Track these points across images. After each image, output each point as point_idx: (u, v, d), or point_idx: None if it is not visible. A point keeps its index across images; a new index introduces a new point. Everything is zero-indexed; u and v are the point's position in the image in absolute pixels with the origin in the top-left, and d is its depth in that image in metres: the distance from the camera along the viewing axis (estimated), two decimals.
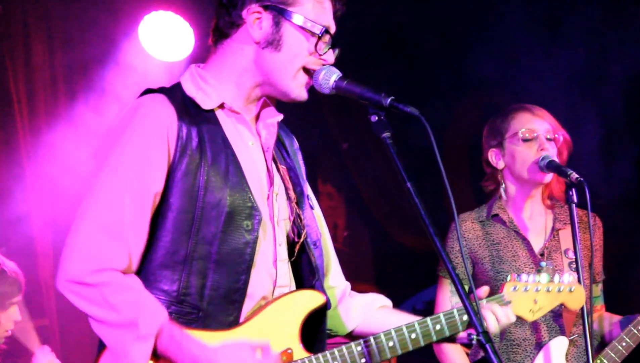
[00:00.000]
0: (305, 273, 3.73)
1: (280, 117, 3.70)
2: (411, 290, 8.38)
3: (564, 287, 3.93)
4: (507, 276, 4.89)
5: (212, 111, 3.56)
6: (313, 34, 3.55)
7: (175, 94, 3.54)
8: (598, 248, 5.11)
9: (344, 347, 3.56)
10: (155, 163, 3.41)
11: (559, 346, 4.93)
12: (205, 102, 3.55)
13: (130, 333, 3.29)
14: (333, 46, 3.61)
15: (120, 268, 3.36)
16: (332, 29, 3.61)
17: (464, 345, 5.06)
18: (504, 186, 5.15)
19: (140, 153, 3.40)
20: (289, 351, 3.51)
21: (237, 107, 3.60)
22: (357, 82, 3.48)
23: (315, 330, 3.64)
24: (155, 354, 3.33)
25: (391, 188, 8.30)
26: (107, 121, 6.71)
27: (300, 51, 3.55)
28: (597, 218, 5.10)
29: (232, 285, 3.47)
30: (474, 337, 3.18)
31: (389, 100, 3.35)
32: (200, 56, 6.27)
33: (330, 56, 3.60)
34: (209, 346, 3.36)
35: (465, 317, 3.68)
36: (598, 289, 5.20)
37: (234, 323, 3.47)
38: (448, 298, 5.09)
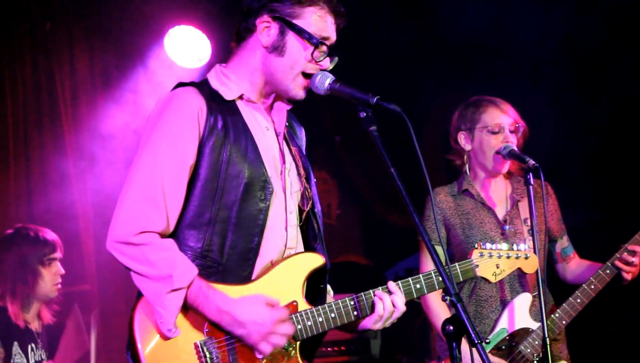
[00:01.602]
0: (310, 238, 3.79)
1: (289, 106, 3.74)
2: (394, 259, 8.38)
3: (520, 254, 3.98)
4: (475, 239, 4.96)
5: (233, 101, 3.62)
6: (311, 43, 3.56)
7: (203, 87, 3.60)
8: (554, 211, 5.13)
9: (339, 301, 3.61)
10: (190, 141, 3.47)
11: (523, 302, 4.94)
12: (228, 94, 3.61)
13: (166, 285, 3.34)
14: (331, 54, 3.63)
15: (159, 230, 3.42)
16: (331, 40, 3.63)
17: None
18: (468, 165, 5.17)
19: (177, 133, 3.46)
20: (295, 303, 3.56)
21: (253, 98, 3.64)
22: (348, 85, 3.51)
23: (316, 287, 3.70)
24: (184, 305, 3.37)
25: (377, 173, 8.29)
26: (138, 115, 6.70)
27: (299, 57, 3.58)
28: (549, 187, 5.12)
29: (247, 244, 3.52)
30: (447, 297, 3.19)
31: (375, 99, 3.37)
32: (216, 63, 6.29)
33: (327, 63, 3.62)
34: (229, 298, 3.41)
35: (417, 285, 3.72)
36: (565, 241, 5.24)
37: (248, 278, 3.52)
38: (429, 259, 5.08)
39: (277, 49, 3.59)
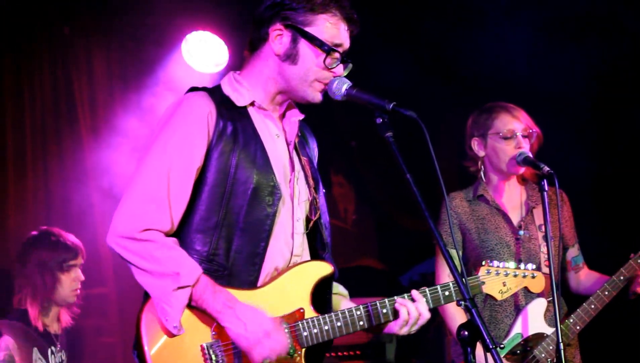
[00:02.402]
0: (318, 247, 3.77)
1: (301, 116, 3.74)
2: (409, 264, 8.38)
3: (527, 273, 3.98)
4: (491, 244, 4.97)
5: (244, 107, 3.60)
6: (323, 50, 3.55)
7: (215, 92, 3.61)
8: (568, 218, 5.13)
9: (346, 310, 3.60)
10: (198, 144, 3.46)
11: (538, 307, 4.94)
12: (239, 100, 3.61)
13: (172, 282, 3.33)
14: (345, 61, 3.60)
15: (163, 229, 3.41)
16: (344, 47, 3.61)
17: None
18: (483, 170, 5.18)
19: (185, 135, 3.46)
20: (301, 310, 3.55)
21: (265, 106, 3.63)
22: (365, 90, 3.51)
23: (324, 295, 3.68)
24: (190, 304, 3.37)
25: (392, 178, 8.28)
26: (155, 120, 6.70)
27: (312, 65, 3.57)
28: (564, 194, 5.12)
29: (254, 249, 3.51)
30: (462, 302, 3.19)
31: (392, 105, 3.37)
32: (233, 68, 6.28)
33: (340, 70, 3.61)
34: (235, 299, 3.40)
35: (447, 292, 3.71)
36: (576, 250, 5.25)
37: (254, 283, 3.51)
38: (444, 264, 5.08)
39: (290, 57, 3.58)
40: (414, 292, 3.66)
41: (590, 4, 6.79)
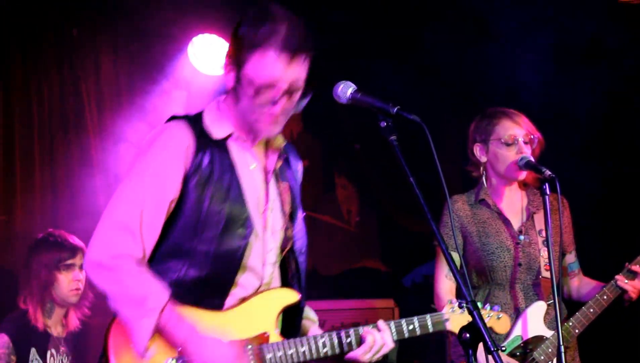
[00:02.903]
0: (289, 275, 3.81)
1: (284, 143, 3.79)
2: (411, 265, 8.39)
3: (492, 314, 4.04)
4: (491, 247, 5.00)
5: (223, 139, 3.63)
6: (253, 90, 3.51)
7: (196, 122, 3.62)
8: (568, 224, 5.13)
9: (312, 337, 3.65)
10: (173, 176, 3.52)
11: (537, 310, 4.96)
12: (218, 133, 3.63)
13: (139, 308, 3.40)
14: (288, 94, 3.52)
15: (134, 256, 3.47)
16: (283, 81, 3.50)
17: None
18: (485, 175, 5.19)
19: (162, 167, 3.51)
20: (266, 335, 3.61)
21: (242, 136, 3.66)
22: (369, 94, 3.51)
23: (292, 322, 3.75)
24: (157, 328, 3.43)
25: (395, 180, 8.29)
26: (161, 122, 6.70)
27: (249, 102, 3.54)
28: (564, 200, 5.13)
29: (223, 278, 3.57)
30: (464, 304, 3.20)
31: (396, 109, 3.38)
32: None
33: (284, 102, 3.53)
34: (198, 327, 3.46)
35: (410, 326, 3.79)
36: (572, 256, 5.27)
37: (219, 307, 3.57)
38: (445, 264, 5.11)
39: (235, 94, 3.57)
40: (380, 322, 3.74)
41: (600, 28, 6.81)
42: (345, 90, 3.56)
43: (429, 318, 3.84)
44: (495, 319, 4.03)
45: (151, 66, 7.13)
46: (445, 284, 5.08)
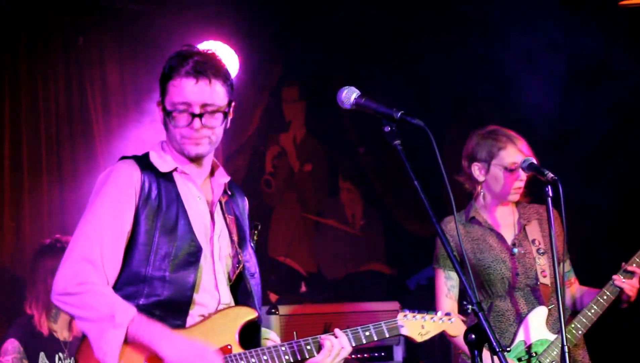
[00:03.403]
0: (243, 296, 3.93)
1: (226, 179, 3.96)
2: (416, 268, 8.39)
3: (445, 318, 4.12)
4: (487, 262, 5.02)
5: (169, 173, 3.82)
6: (167, 115, 3.77)
7: (143, 160, 3.84)
8: (560, 233, 5.13)
9: (272, 346, 3.80)
10: (126, 210, 3.72)
11: (539, 314, 4.98)
12: (163, 167, 3.83)
13: (108, 324, 3.54)
14: (197, 115, 3.72)
15: (98, 284, 3.63)
16: (191, 103, 3.73)
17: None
18: (482, 193, 5.21)
19: (115, 202, 3.72)
20: (229, 347, 3.73)
21: (187, 170, 3.85)
22: (373, 99, 3.53)
23: (251, 338, 3.86)
24: (126, 340, 3.55)
25: (400, 183, 8.31)
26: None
27: (172, 129, 3.79)
28: (555, 211, 5.11)
29: (180, 299, 3.71)
30: (469, 306, 3.23)
31: (400, 114, 3.40)
32: (243, 78, 6.30)
33: (197, 124, 3.73)
34: (168, 330, 3.61)
35: (367, 332, 3.92)
36: (567, 265, 5.25)
37: (181, 326, 3.70)
38: (444, 284, 5.17)
39: (164, 125, 3.83)
40: (337, 330, 3.87)
41: (608, 49, 6.83)
42: (349, 95, 3.58)
43: (384, 325, 3.96)
44: (447, 323, 4.12)
45: (157, 73, 7.11)
46: (447, 304, 5.11)
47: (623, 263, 5.01)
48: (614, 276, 4.98)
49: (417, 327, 4.02)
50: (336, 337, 3.85)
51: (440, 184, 3.34)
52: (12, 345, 5.36)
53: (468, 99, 5.13)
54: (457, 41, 7.51)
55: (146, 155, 3.87)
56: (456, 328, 4.13)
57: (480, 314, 3.19)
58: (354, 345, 3.87)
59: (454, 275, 4.98)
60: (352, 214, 8.97)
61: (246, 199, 4.14)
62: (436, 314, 4.08)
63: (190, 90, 3.73)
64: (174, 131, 3.75)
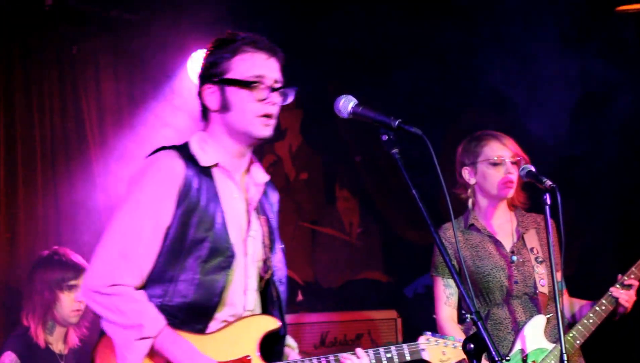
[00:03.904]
0: (269, 303, 3.87)
1: (267, 178, 3.88)
2: (413, 276, 8.39)
3: (448, 343, 4.07)
4: (486, 269, 5.01)
5: (208, 167, 3.71)
6: (246, 87, 3.65)
7: (184, 151, 3.71)
8: (556, 243, 5.13)
9: (292, 361, 3.79)
10: (168, 204, 3.61)
11: (537, 323, 4.97)
12: (204, 161, 3.71)
13: (135, 333, 3.48)
14: (277, 89, 3.71)
15: (131, 284, 3.56)
16: (269, 77, 3.71)
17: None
18: (473, 199, 5.25)
19: (157, 195, 3.60)
20: (248, 358, 3.67)
21: (227, 165, 3.75)
22: (370, 108, 3.52)
23: (273, 350, 3.80)
24: (151, 352, 3.51)
25: (396, 192, 8.31)
26: (161, 136, 6.72)
27: (244, 104, 3.67)
28: (552, 221, 5.11)
29: (206, 303, 3.64)
30: (468, 315, 3.21)
31: (397, 122, 3.39)
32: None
33: (275, 98, 3.71)
34: (195, 350, 3.54)
35: (388, 355, 3.87)
36: (559, 275, 5.20)
37: (202, 331, 3.64)
38: (442, 291, 5.17)
39: (224, 106, 3.69)
40: (358, 350, 3.81)
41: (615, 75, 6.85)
42: (347, 104, 3.56)
43: (405, 348, 3.93)
44: (451, 348, 4.07)
45: (151, 83, 7.14)
46: (446, 312, 5.11)
47: (619, 275, 5.03)
48: (612, 289, 5.00)
49: (439, 352, 3.99)
50: (358, 357, 3.79)
51: (438, 192, 3.33)
52: (9, 358, 5.33)
53: (470, 130, 5.18)
54: (457, 67, 7.51)
55: (186, 146, 3.75)
56: (457, 353, 4.08)
57: (479, 323, 3.17)
58: None
59: (452, 282, 4.99)
60: (349, 223, 8.96)
61: (277, 193, 4.06)
62: (459, 341, 4.02)
63: (264, 63, 3.69)
64: (242, 110, 3.65)
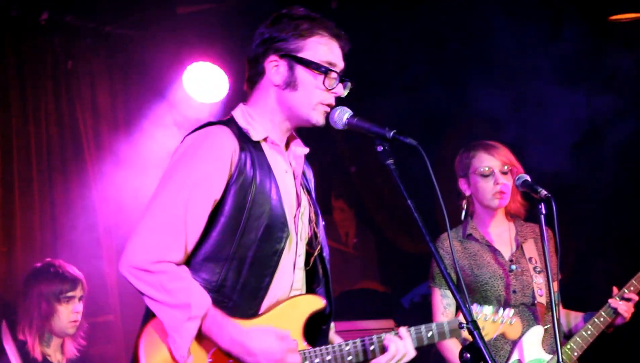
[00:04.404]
0: (314, 281, 3.79)
1: (307, 150, 3.77)
2: (409, 286, 8.38)
3: (505, 320, 4.05)
4: (484, 278, 5.01)
5: (258, 142, 3.62)
6: (320, 72, 3.58)
7: (233, 126, 3.61)
8: (553, 253, 5.14)
9: (337, 345, 3.64)
10: (219, 178, 3.47)
11: (534, 334, 4.97)
12: (254, 135, 3.62)
13: (183, 313, 3.35)
14: (343, 80, 3.65)
15: (176, 260, 3.42)
16: (339, 66, 3.64)
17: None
18: (471, 209, 5.27)
19: (209, 168, 3.47)
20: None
21: (276, 139, 3.66)
22: (365, 119, 3.53)
23: (318, 329, 3.72)
24: (199, 333, 3.40)
25: (392, 202, 8.31)
26: (158, 148, 6.72)
27: (312, 87, 3.59)
28: (549, 230, 5.12)
29: (258, 284, 3.53)
30: (464, 325, 3.21)
31: (392, 133, 3.41)
32: (234, 98, 6.31)
33: (340, 90, 3.64)
34: (242, 328, 3.43)
35: (429, 333, 3.78)
36: (555, 286, 5.21)
37: (254, 315, 3.53)
38: (440, 302, 5.18)
39: (289, 84, 3.60)
40: (402, 330, 3.72)
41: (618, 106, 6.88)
42: (342, 116, 3.57)
43: (445, 325, 3.83)
44: (507, 325, 4.01)
45: (147, 95, 7.15)
46: None
47: (615, 288, 5.04)
48: (610, 300, 5.00)
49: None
50: (401, 339, 3.68)
51: (434, 202, 3.34)
52: None
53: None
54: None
55: (233, 120, 3.66)
56: (515, 330, 4.06)
57: (475, 333, 3.18)
58: (415, 345, 3.72)
59: (450, 293, 4.98)
60: (345, 233, 8.96)
61: (312, 171, 3.97)
62: (497, 313, 3.98)
63: (338, 53, 3.64)
64: (309, 92, 3.59)
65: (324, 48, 3.61)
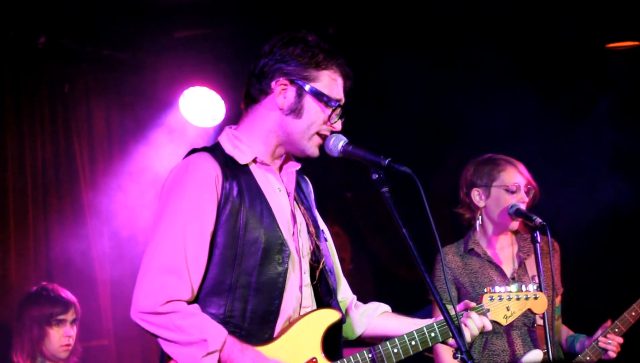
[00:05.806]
0: (324, 294, 3.77)
1: (298, 166, 3.76)
2: (405, 312, 8.34)
3: (530, 295, 3.98)
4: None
5: (246, 165, 3.61)
6: (329, 106, 3.58)
7: (217, 152, 3.59)
8: (557, 266, 5.13)
9: (357, 354, 3.62)
10: (209, 208, 3.46)
11: (534, 357, 4.95)
12: (241, 158, 3.60)
13: (201, 349, 3.34)
14: (342, 116, 3.65)
15: (184, 299, 3.41)
16: (342, 102, 3.65)
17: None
18: (480, 221, 5.20)
19: (196, 200, 3.45)
20: (314, 360, 3.56)
21: (266, 160, 3.64)
22: (361, 147, 3.55)
23: (334, 341, 3.68)
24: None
25: (387, 229, 8.30)
26: (154, 174, 6.72)
27: (316, 119, 3.60)
28: (555, 243, 5.13)
29: (268, 308, 3.52)
30: (459, 355, 3.21)
31: (387, 161, 3.43)
32: (230, 122, 6.33)
33: (339, 125, 3.65)
34: (262, 356, 3.42)
35: (432, 334, 3.79)
36: (557, 300, 5.22)
37: (269, 339, 3.51)
38: (447, 349, 5.11)
39: (294, 111, 3.59)
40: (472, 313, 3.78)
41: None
42: (337, 143, 3.60)
43: (472, 312, 3.81)
44: (533, 299, 3.97)
45: (143, 120, 7.16)
46: (443, 348, 5.05)
47: (609, 321, 5.05)
48: (601, 339, 5.01)
49: (503, 309, 3.88)
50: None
51: (429, 226, 3.34)
52: None
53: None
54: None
55: (218, 146, 3.64)
56: (541, 305, 4.01)
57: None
58: (430, 345, 3.77)
59: (450, 308, 4.90)
60: (341, 259, 8.89)
61: (310, 183, 3.95)
62: (521, 290, 3.95)
63: (341, 90, 3.65)
64: (311, 122, 3.59)
65: (334, 84, 3.62)
